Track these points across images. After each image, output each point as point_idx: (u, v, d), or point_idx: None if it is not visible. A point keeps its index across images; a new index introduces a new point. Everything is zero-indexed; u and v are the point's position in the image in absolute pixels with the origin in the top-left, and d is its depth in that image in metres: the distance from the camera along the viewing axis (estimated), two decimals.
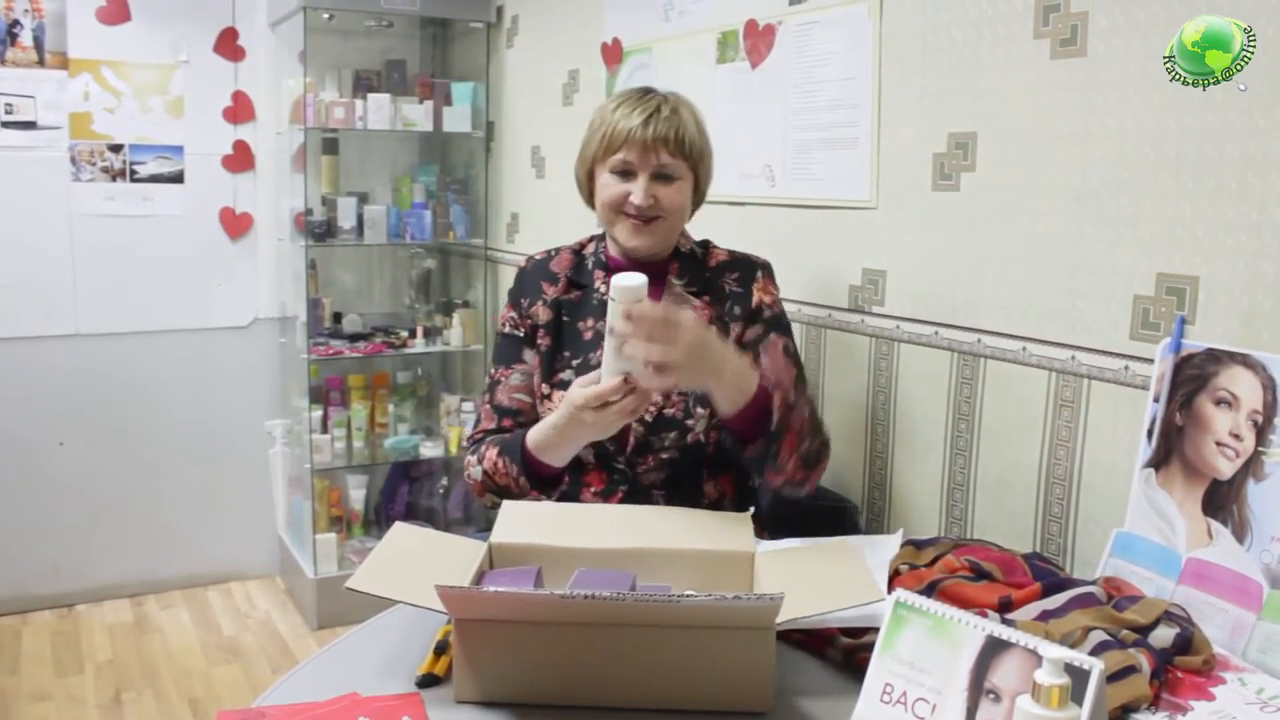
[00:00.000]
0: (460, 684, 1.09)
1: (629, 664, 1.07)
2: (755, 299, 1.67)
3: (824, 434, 1.57)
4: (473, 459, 1.64)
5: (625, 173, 1.61)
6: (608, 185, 1.62)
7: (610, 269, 1.67)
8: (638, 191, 1.58)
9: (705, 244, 1.74)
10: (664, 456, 1.59)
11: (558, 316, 1.68)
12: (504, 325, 1.73)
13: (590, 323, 1.66)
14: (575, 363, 1.65)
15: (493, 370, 1.72)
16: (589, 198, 1.71)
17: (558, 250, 1.75)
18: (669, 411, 1.58)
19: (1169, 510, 1.31)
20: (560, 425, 1.48)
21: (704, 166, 1.66)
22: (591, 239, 1.75)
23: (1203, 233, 1.38)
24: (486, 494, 1.61)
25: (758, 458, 1.48)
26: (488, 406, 1.70)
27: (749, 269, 1.70)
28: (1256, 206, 1.32)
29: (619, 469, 1.61)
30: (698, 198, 1.69)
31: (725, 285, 1.68)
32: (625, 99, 1.63)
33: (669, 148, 1.58)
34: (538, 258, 1.75)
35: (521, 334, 1.70)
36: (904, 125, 1.83)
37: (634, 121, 1.58)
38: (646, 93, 1.64)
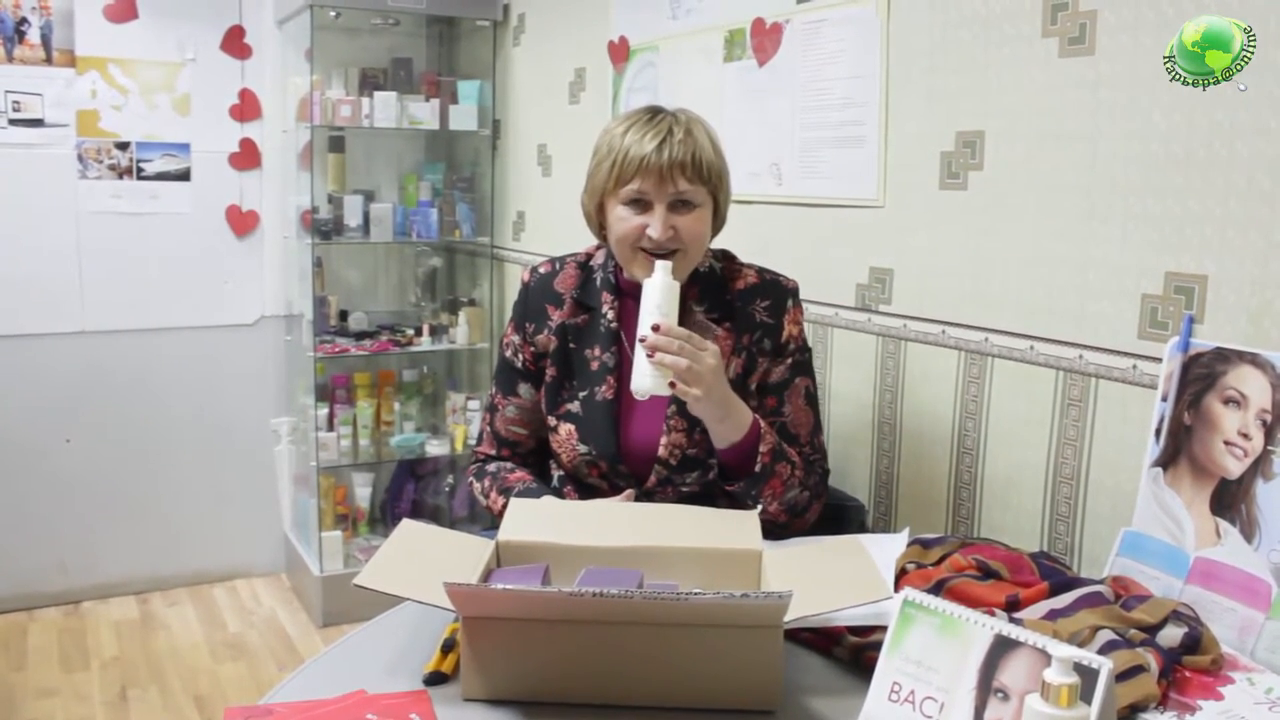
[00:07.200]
0: (468, 682, 1.09)
1: (636, 662, 1.07)
2: (785, 332, 1.58)
3: (823, 487, 1.59)
4: (477, 485, 1.65)
5: (640, 203, 1.49)
6: (622, 219, 1.50)
7: (620, 291, 1.60)
8: (655, 224, 1.47)
9: (725, 257, 1.64)
10: (684, 490, 1.56)
11: (564, 344, 1.59)
12: (506, 348, 1.66)
13: (597, 352, 1.58)
14: (581, 394, 1.58)
15: (493, 390, 1.69)
16: (600, 231, 1.59)
17: (562, 263, 1.64)
18: (691, 452, 1.54)
19: (1177, 509, 1.31)
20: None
21: (723, 190, 1.55)
22: (600, 247, 1.65)
23: (1211, 231, 1.37)
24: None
25: (739, 494, 1.51)
26: (489, 430, 1.68)
27: (780, 296, 1.60)
28: (1266, 205, 1.31)
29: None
30: (717, 222, 1.58)
31: (754, 313, 1.58)
32: (633, 122, 1.51)
33: (686, 174, 1.47)
34: (542, 271, 1.65)
35: (519, 364, 1.64)
36: (912, 123, 1.83)
37: (647, 148, 1.46)
38: (656, 113, 1.52)
